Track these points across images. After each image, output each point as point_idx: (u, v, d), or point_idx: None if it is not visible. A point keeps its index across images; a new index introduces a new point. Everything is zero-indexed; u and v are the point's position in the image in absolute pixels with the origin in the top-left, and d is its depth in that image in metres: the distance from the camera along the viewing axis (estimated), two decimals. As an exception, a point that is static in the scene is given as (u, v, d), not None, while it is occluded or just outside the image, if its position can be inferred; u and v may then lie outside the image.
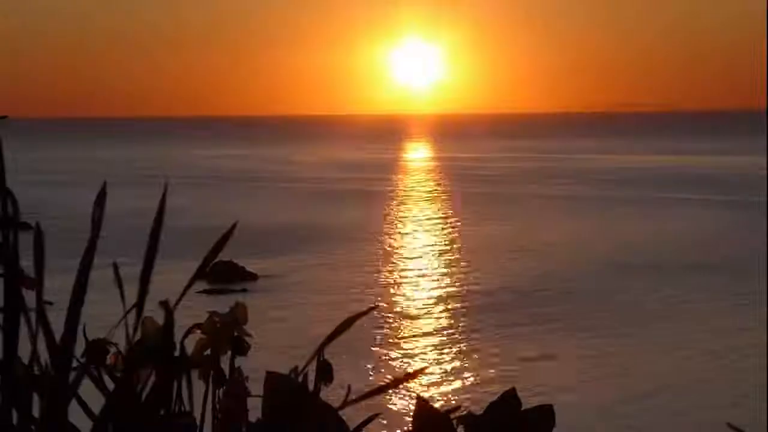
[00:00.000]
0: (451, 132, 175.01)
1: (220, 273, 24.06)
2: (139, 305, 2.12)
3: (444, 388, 16.04)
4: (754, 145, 77.33)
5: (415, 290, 24.56)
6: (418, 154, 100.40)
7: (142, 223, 2.18)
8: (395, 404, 13.97)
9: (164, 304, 2.12)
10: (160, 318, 2.15)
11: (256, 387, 2.36)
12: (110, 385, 2.17)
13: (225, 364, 2.36)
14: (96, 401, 2.12)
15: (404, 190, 54.19)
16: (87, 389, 2.12)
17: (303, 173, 66.99)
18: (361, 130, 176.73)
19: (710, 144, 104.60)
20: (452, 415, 2.53)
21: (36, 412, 2.03)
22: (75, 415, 2.10)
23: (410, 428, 2.54)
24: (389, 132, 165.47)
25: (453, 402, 14.84)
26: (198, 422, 2.26)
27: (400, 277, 26.36)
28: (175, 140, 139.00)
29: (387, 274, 26.66)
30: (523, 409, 2.57)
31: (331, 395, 2.36)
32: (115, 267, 2.18)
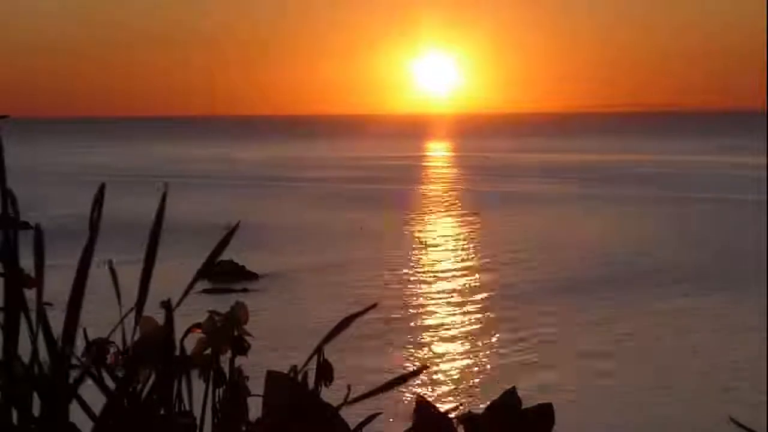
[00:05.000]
0: (465, 131, 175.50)
1: (220, 273, 24.05)
2: (139, 305, 2.12)
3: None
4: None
5: (417, 289, 24.56)
6: (427, 153, 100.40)
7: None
8: (395, 403, 13.97)
9: (165, 305, 2.12)
10: (160, 318, 2.15)
11: (256, 386, 2.36)
12: (111, 385, 2.17)
13: (225, 364, 2.35)
14: (96, 401, 2.12)
15: (410, 190, 54.18)
16: (87, 389, 2.11)
17: (322, 173, 67.02)
18: (383, 129, 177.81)
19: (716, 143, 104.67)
20: (452, 415, 2.53)
21: (36, 412, 2.02)
22: (75, 415, 2.10)
23: (411, 428, 2.54)
24: (407, 131, 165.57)
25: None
26: (198, 422, 2.25)
27: (402, 275, 26.35)
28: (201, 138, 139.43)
29: (388, 273, 26.65)
30: (523, 408, 2.58)
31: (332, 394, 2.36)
32: (111, 267, 2.17)
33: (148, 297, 2.16)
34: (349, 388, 2.25)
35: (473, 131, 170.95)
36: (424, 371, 17.31)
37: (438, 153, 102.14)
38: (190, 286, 2.16)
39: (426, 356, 18.07)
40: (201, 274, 2.19)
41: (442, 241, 33.57)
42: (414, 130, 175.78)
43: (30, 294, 2.05)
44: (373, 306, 2.28)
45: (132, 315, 2.16)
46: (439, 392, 15.82)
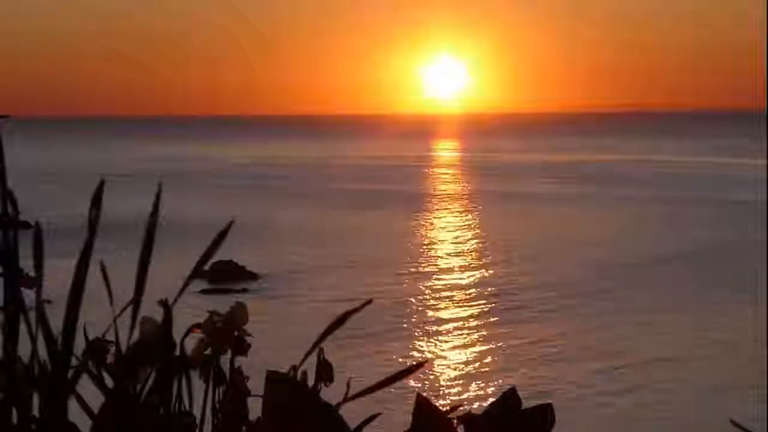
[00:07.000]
0: (469, 131, 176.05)
1: (220, 273, 24.04)
2: (136, 303, 2.11)
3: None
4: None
5: (416, 288, 24.57)
6: (426, 152, 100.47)
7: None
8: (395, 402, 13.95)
9: (163, 304, 2.11)
10: (158, 316, 2.15)
11: (256, 386, 2.36)
12: (111, 385, 2.17)
13: (225, 364, 2.35)
14: (96, 400, 2.12)
15: (410, 190, 54.17)
16: (87, 389, 2.11)
17: (324, 172, 67.02)
18: (387, 129, 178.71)
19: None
20: (452, 415, 2.53)
21: (36, 411, 2.02)
22: (75, 414, 2.10)
23: (410, 428, 2.53)
24: (410, 131, 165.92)
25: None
26: (198, 422, 2.25)
27: (401, 274, 26.36)
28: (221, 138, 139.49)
29: (388, 272, 26.65)
30: (522, 408, 2.57)
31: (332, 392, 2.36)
32: (102, 267, 2.17)
33: (142, 297, 2.15)
34: (348, 384, 2.25)
35: (477, 131, 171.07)
36: (422, 367, 17.30)
37: (436, 153, 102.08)
38: (186, 284, 2.16)
39: (427, 349, 18.08)
40: (195, 273, 2.18)
41: (438, 237, 33.59)
42: (418, 129, 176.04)
43: (30, 293, 2.05)
44: (369, 302, 2.28)
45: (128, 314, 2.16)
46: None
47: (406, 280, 25.70)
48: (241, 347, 2.35)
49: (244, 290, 23.86)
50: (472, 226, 37.46)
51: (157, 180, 2.09)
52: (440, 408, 2.51)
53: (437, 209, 44.10)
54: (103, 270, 2.16)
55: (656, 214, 40.33)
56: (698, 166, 70.04)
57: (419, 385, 15.46)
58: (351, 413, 2.31)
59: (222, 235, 2.14)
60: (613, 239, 32.59)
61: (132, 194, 31.84)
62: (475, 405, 14.97)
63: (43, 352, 2.03)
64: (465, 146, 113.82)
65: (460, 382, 16.71)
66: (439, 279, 26.07)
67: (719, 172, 63.98)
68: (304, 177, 62.99)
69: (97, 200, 2.05)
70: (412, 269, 27.45)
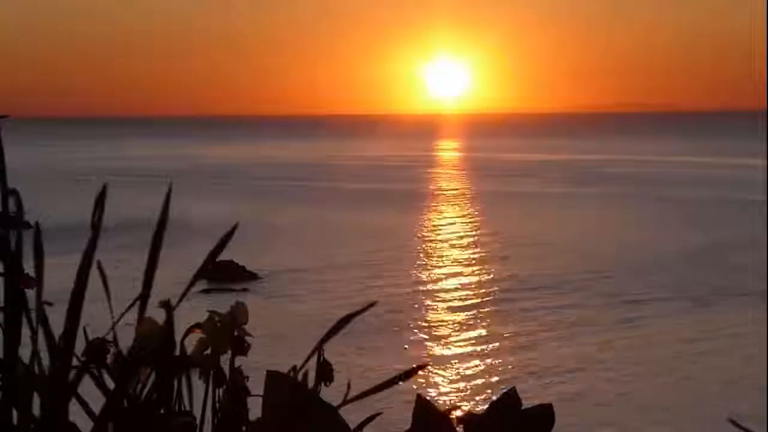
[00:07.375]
0: (472, 131, 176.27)
1: (220, 272, 24.03)
2: (142, 303, 2.12)
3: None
4: None
5: (416, 288, 24.56)
6: (428, 152, 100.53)
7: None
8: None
9: (165, 304, 2.12)
10: (159, 317, 2.15)
11: (256, 386, 2.36)
12: (111, 385, 2.17)
13: (225, 364, 2.36)
14: (96, 401, 2.12)
15: (410, 190, 54.17)
16: (87, 389, 2.12)
17: (325, 171, 67.02)
18: (387, 129, 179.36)
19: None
20: (452, 415, 2.53)
21: (36, 412, 2.03)
22: (76, 414, 2.10)
23: (410, 428, 2.54)
24: (407, 131, 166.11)
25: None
26: (198, 422, 2.26)
27: (402, 274, 26.35)
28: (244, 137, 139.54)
29: (388, 272, 26.65)
30: (523, 408, 2.57)
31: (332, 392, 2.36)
32: (100, 266, 2.17)
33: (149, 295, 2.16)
34: (348, 385, 2.25)
35: (478, 131, 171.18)
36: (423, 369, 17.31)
37: (436, 153, 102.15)
38: (190, 285, 2.17)
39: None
40: (200, 274, 2.19)
41: (439, 237, 33.61)
42: (418, 129, 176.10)
43: (30, 293, 2.06)
44: (373, 304, 2.28)
45: (131, 314, 2.16)
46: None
47: (407, 280, 25.70)
48: (241, 347, 2.35)
49: (245, 290, 23.85)
50: (473, 225, 37.48)
51: (156, 180, 2.10)
52: (440, 408, 2.52)
53: (438, 209, 44.13)
54: (101, 269, 2.17)
55: (656, 213, 40.35)
56: (698, 166, 70.06)
57: (418, 385, 15.47)
58: (351, 413, 2.31)
59: (227, 237, 2.15)
60: (613, 239, 32.62)
61: (132, 194, 31.84)
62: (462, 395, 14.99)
63: (43, 353, 2.04)
64: (465, 146, 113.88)
65: (460, 381, 16.72)
66: (440, 279, 26.08)
67: (719, 172, 63.99)
68: (305, 177, 62.98)
69: (100, 202, 2.06)
70: (413, 269, 27.45)
